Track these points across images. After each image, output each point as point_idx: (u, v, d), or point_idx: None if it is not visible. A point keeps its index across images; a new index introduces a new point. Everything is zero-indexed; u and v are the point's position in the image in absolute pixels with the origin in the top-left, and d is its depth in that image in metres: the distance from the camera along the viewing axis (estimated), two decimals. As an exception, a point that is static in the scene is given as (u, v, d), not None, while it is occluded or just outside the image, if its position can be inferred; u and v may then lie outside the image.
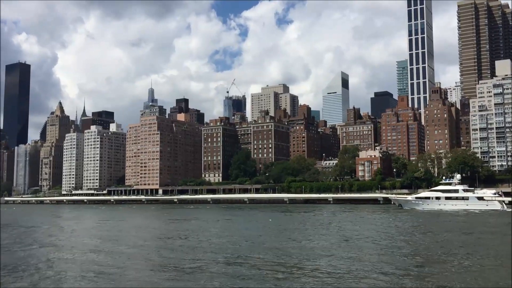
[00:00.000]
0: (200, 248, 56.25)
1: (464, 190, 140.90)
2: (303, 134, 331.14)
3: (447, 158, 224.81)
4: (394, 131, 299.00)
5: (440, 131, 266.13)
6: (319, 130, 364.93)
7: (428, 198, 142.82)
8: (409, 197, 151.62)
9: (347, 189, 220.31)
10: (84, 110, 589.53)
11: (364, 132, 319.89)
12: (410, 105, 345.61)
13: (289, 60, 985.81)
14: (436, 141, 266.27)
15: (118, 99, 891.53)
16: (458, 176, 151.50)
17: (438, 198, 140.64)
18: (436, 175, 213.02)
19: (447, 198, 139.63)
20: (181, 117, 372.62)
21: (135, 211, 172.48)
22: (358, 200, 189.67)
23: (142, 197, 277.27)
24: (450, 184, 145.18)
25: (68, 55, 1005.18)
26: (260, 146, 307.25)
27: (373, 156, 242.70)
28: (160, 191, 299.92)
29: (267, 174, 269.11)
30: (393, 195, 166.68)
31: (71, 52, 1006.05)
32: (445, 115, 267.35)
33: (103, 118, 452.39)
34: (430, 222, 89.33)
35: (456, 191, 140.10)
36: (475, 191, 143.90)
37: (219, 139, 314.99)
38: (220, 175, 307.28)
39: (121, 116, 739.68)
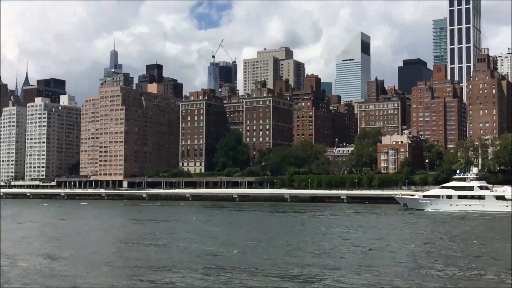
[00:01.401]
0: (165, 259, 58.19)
1: (481, 188, 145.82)
2: (310, 113, 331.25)
3: (494, 146, 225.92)
4: (428, 111, 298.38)
5: (487, 111, 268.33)
6: (331, 107, 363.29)
7: (437, 196, 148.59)
8: (416, 195, 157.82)
9: (366, 184, 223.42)
10: (26, 77, 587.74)
11: (389, 112, 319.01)
12: (448, 77, 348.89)
13: (294, 16, 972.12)
14: (481, 124, 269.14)
15: (71, 64, 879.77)
16: (475, 169, 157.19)
17: (449, 196, 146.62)
18: (480, 168, 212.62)
19: (460, 197, 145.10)
20: (152, 88, 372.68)
21: (88, 209, 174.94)
22: (378, 198, 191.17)
23: (102, 190, 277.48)
24: (464, 179, 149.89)
25: (4, 4, 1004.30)
26: (254, 128, 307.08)
27: (399, 143, 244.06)
28: (125, 184, 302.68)
29: (263, 164, 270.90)
30: (398, 192, 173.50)
31: (8, 0, 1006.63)
32: (494, 91, 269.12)
33: (52, 88, 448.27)
34: (443, 231, 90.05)
35: (471, 188, 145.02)
36: (494, 188, 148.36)
37: (201, 118, 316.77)
38: (203, 164, 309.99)
39: (75, 85, 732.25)
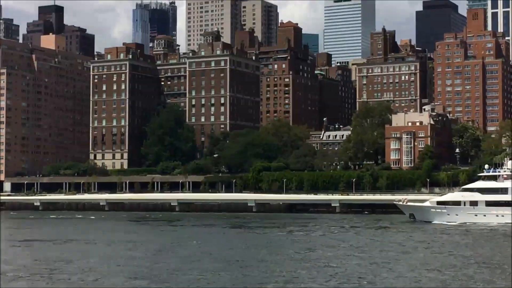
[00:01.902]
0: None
1: None
2: (287, 80, 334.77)
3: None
4: (459, 77, 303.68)
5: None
6: (317, 72, 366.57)
7: (457, 203, 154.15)
8: (428, 202, 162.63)
9: (369, 185, 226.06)
10: None
11: (403, 78, 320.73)
12: (489, 28, 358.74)
13: None
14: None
15: None
16: (510, 163, 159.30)
17: (474, 203, 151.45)
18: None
19: (488, 203, 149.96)
20: (49, 41, 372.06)
21: None
22: (383, 206, 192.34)
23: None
24: (495, 178, 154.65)
25: None
26: (203, 102, 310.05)
27: (418, 124, 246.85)
28: (7, 186, 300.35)
29: (216, 156, 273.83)
30: (401, 198, 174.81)
31: None
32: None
33: None
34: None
35: (505, 190, 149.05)
36: None
37: (123, 87, 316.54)
38: (125, 156, 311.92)
39: None
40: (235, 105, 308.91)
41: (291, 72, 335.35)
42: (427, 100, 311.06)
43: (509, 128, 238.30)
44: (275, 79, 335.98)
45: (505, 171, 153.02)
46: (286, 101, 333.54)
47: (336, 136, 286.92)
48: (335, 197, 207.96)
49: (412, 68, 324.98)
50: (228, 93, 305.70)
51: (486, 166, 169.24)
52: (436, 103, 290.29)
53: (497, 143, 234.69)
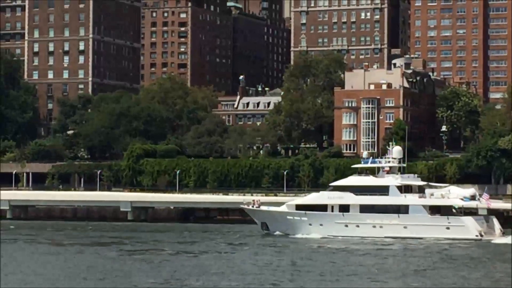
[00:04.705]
0: None
1: (402, 189, 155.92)
2: (183, 15, 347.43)
3: None
4: (448, 15, 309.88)
5: None
6: (230, 3, 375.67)
7: (323, 207, 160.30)
8: (284, 206, 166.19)
9: (309, 179, 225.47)
10: None
11: (362, 16, 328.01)
12: None
13: None
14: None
15: None
16: (396, 149, 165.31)
17: (344, 208, 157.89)
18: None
19: (364, 208, 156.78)
20: None
21: None
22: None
23: None
24: (374, 171, 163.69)
25: None
26: (51, 48, 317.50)
27: (384, 87, 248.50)
28: None
29: (71, 133, 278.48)
30: (253, 199, 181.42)
31: None
32: None
33: None
34: None
35: (384, 189, 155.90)
36: (433, 190, 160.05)
37: None
38: None
39: None
40: (102, 53, 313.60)
41: (190, 4, 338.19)
42: (399, 51, 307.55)
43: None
44: (165, 14, 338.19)
45: (388, 162, 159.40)
46: (182, 49, 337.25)
47: (258, 104, 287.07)
48: (253, 198, 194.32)
49: (377, 1, 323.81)
50: (90, 35, 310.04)
51: (365, 154, 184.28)
52: (412, 56, 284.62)
53: (504, 118, 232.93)
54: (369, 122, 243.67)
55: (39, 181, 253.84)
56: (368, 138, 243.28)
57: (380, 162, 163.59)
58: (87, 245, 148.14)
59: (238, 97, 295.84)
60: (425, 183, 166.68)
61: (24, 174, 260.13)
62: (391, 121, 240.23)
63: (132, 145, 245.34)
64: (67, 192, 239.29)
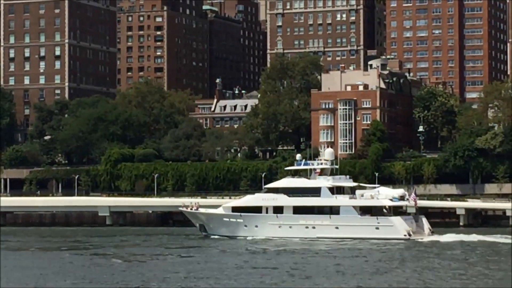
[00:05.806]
0: None
1: (336, 189, 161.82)
2: (159, 19, 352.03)
3: None
4: (423, 16, 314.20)
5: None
6: (206, 7, 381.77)
7: (258, 209, 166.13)
8: (221, 208, 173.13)
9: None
10: None
11: (337, 17, 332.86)
12: None
13: None
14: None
15: None
16: (328, 151, 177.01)
17: (278, 209, 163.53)
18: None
19: (296, 209, 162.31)
20: None
21: None
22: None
23: None
24: (305, 173, 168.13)
25: None
26: (27, 53, 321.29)
27: (360, 88, 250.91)
28: None
29: (48, 138, 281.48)
30: (191, 202, 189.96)
31: None
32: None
33: None
34: None
35: (316, 190, 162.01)
36: (363, 191, 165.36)
37: None
38: None
39: None
40: (78, 58, 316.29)
41: (165, 8, 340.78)
42: (375, 52, 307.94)
43: (498, 94, 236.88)
44: (141, 19, 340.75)
45: (320, 164, 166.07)
46: (159, 53, 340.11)
47: (235, 107, 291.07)
48: (222, 201, 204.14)
49: (353, 2, 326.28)
50: (66, 40, 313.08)
51: (298, 156, 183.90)
52: (389, 57, 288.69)
53: (481, 118, 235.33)
54: (346, 123, 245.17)
55: (16, 187, 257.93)
56: (346, 140, 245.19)
57: (312, 164, 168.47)
58: (68, 250, 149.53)
59: (215, 100, 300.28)
60: (356, 184, 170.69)
61: (2, 180, 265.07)
62: (368, 122, 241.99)
63: (109, 150, 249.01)
64: (45, 197, 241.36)
